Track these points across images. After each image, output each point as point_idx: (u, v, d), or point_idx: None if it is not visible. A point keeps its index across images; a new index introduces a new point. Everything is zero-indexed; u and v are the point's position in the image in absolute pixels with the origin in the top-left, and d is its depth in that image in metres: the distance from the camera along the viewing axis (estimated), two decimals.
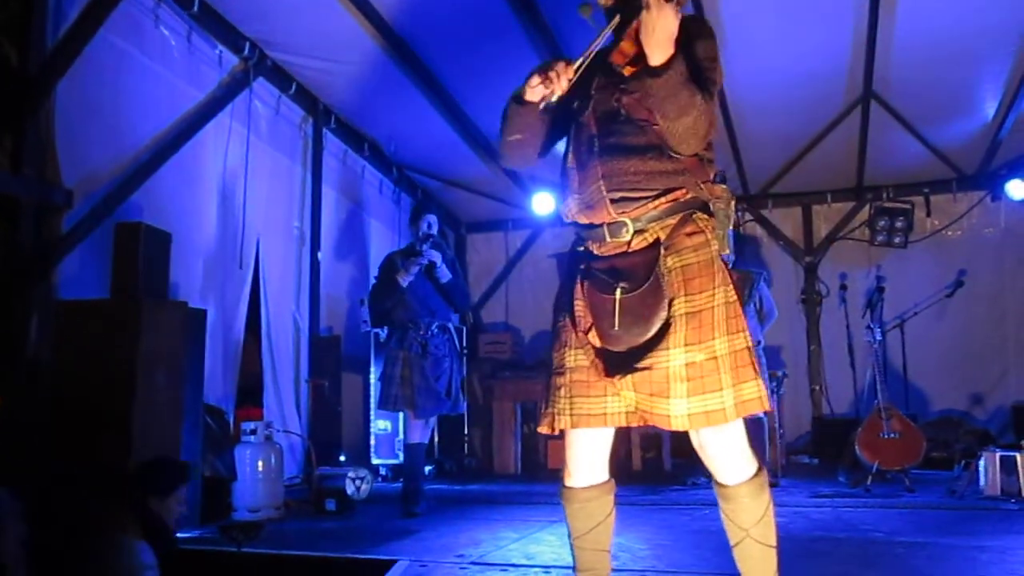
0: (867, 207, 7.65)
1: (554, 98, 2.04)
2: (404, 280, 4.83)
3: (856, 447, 5.53)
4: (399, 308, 4.91)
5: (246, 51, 5.31)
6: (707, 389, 1.92)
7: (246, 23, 5.22)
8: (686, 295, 1.97)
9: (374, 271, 7.41)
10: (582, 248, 2.15)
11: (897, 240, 7.43)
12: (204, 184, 5.17)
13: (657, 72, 1.90)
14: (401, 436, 6.47)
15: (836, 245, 7.86)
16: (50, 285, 3.97)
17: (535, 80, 2.06)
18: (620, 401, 2.02)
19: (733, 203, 2.13)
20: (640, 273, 1.98)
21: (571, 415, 2.05)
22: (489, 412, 7.36)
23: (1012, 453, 4.83)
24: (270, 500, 4.58)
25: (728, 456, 2.01)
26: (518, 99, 2.13)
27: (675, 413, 1.92)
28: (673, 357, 1.94)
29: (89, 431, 3.56)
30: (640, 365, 1.96)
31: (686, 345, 1.94)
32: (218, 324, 5.15)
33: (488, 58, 5.68)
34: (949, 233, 7.50)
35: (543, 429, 2.14)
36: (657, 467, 6.60)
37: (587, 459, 2.13)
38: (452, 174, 7.65)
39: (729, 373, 1.94)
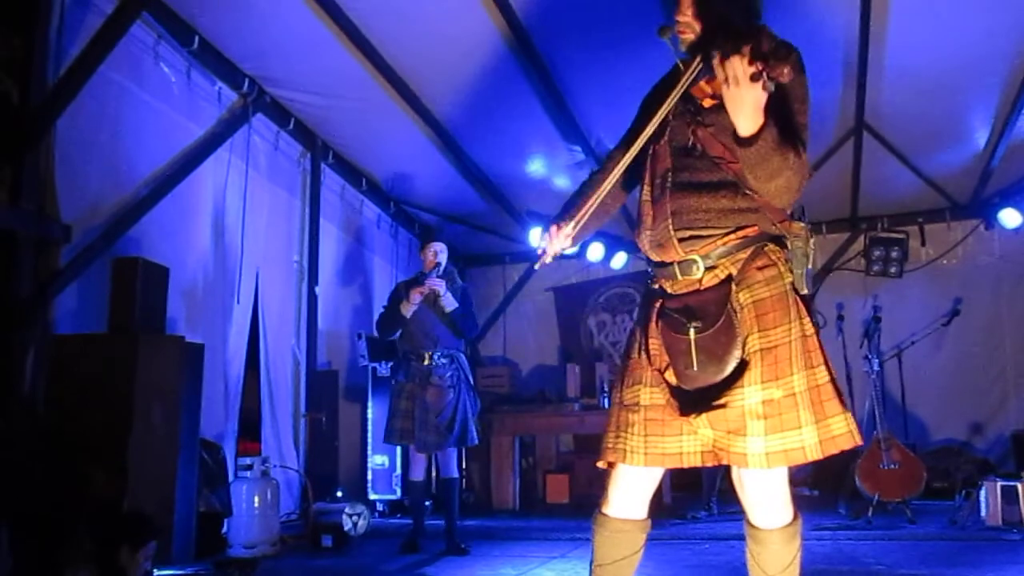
0: (862, 237, 7.68)
1: (548, 259, 2.13)
2: (408, 310, 4.76)
3: (856, 478, 5.50)
4: (404, 338, 4.87)
5: (245, 87, 5.36)
6: (786, 427, 1.88)
7: (245, 60, 5.28)
8: (760, 331, 1.93)
9: (373, 305, 7.45)
10: (656, 285, 2.12)
11: (893, 270, 7.45)
12: (202, 219, 5.20)
13: (747, 143, 1.83)
14: (399, 471, 6.44)
15: (832, 276, 7.88)
16: (47, 319, 3.97)
17: (539, 239, 2.18)
18: (696, 440, 1.97)
19: (812, 240, 2.06)
20: (712, 311, 1.95)
21: (646, 453, 2.00)
22: (487, 446, 7.32)
23: (1013, 483, 4.81)
24: (266, 536, 4.54)
25: (769, 500, 1.98)
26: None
27: (752, 451, 1.88)
28: (748, 395, 1.89)
29: (85, 466, 3.54)
30: (715, 403, 1.92)
31: (762, 382, 1.90)
32: (216, 358, 5.15)
33: (486, 95, 5.75)
34: (944, 262, 7.52)
35: (606, 463, 2.09)
36: (657, 501, 6.53)
37: (632, 495, 2.10)
38: (450, 209, 7.69)
39: (809, 410, 1.89)
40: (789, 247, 2.02)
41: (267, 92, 5.62)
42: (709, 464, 2.01)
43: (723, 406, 1.91)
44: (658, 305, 2.07)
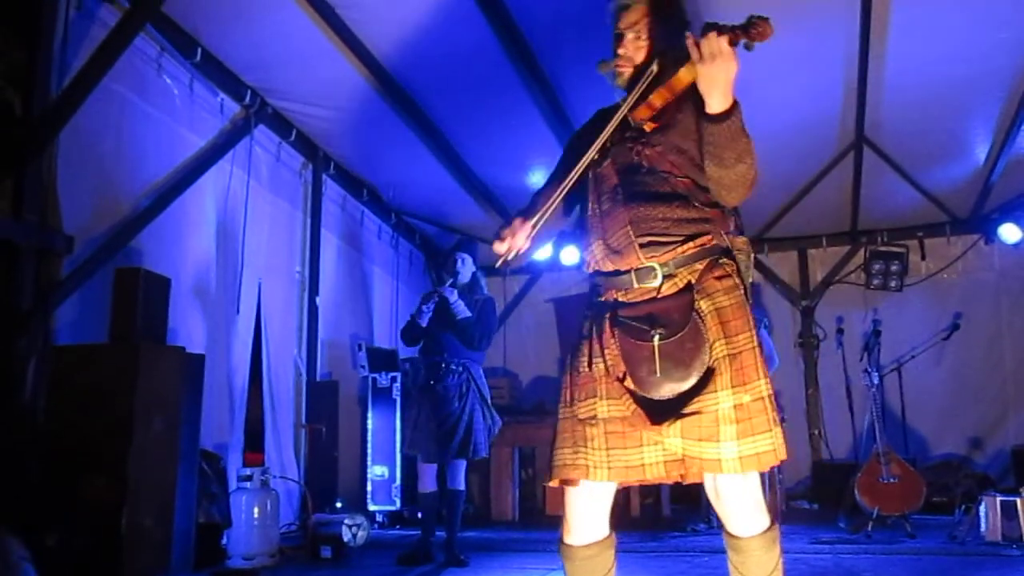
0: (862, 251, 7.70)
1: (511, 256, 2.13)
2: (421, 318, 4.75)
3: (856, 492, 5.49)
4: (421, 347, 4.86)
5: (247, 99, 5.39)
6: (756, 431, 1.91)
7: (247, 71, 5.31)
8: (725, 337, 1.97)
9: (373, 315, 7.47)
10: (602, 297, 2.14)
11: (893, 284, 7.46)
12: (204, 229, 5.21)
13: (719, 119, 1.91)
14: (398, 482, 6.44)
15: (832, 289, 7.89)
16: (48, 330, 3.98)
17: (497, 242, 2.14)
18: (658, 451, 1.98)
19: (752, 256, 2.13)
20: (675, 318, 1.98)
21: (609, 467, 2.00)
22: (486, 457, 7.31)
23: (1012, 498, 4.80)
24: (265, 547, 4.53)
25: (744, 506, 1.99)
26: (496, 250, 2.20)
27: (726, 456, 1.90)
28: (722, 400, 1.92)
29: (83, 475, 3.55)
30: (687, 410, 1.93)
31: (732, 387, 1.93)
32: (219, 369, 5.16)
33: (486, 106, 5.78)
34: (944, 276, 7.53)
35: (560, 480, 2.06)
36: (656, 513, 6.54)
37: (589, 515, 2.09)
38: (450, 219, 7.71)
39: (770, 415, 1.94)
40: (735, 260, 2.09)
41: (269, 103, 5.64)
42: (672, 475, 2.02)
43: (697, 413, 1.93)
44: (609, 315, 2.08)
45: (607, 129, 2.08)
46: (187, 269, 4.96)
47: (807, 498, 7.22)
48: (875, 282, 7.50)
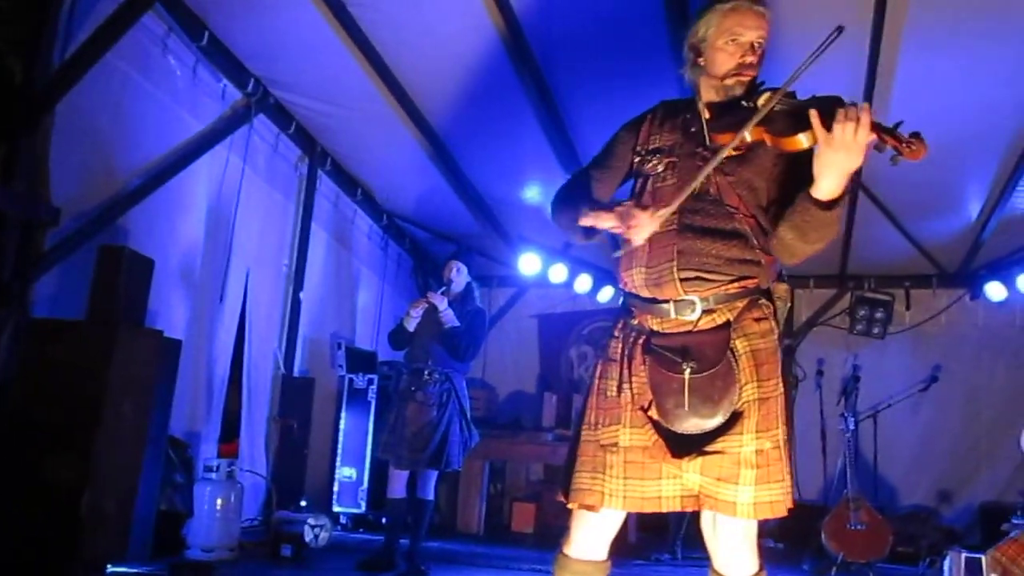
0: (848, 295, 7.72)
1: (631, 247, 2.02)
2: (408, 323, 4.72)
3: (823, 536, 5.49)
4: (407, 352, 4.82)
5: (250, 87, 5.35)
6: (772, 479, 1.91)
7: (253, 60, 5.28)
8: (757, 381, 1.95)
9: (356, 315, 7.42)
10: (636, 321, 2.10)
11: (876, 331, 7.48)
12: (194, 214, 5.16)
13: (828, 206, 1.83)
14: (366, 485, 6.38)
15: (816, 330, 7.90)
16: (26, 301, 3.92)
17: (612, 221, 1.99)
18: (676, 484, 1.96)
19: (788, 305, 2.11)
20: (710, 354, 1.95)
21: (625, 497, 1.99)
22: (458, 470, 7.26)
23: (978, 555, 4.80)
24: (225, 540, 4.47)
25: (741, 550, 1.99)
26: (578, 219, 2.08)
27: (741, 500, 1.89)
28: (746, 443, 1.91)
29: (50, 452, 3.49)
30: (711, 449, 1.92)
31: (757, 432, 1.91)
32: (199, 356, 5.11)
33: (488, 116, 5.76)
34: (927, 328, 7.55)
35: (589, 501, 2.02)
36: (622, 540, 6.50)
37: (596, 536, 2.09)
38: (442, 226, 7.68)
39: (784, 464, 1.94)
40: (774, 304, 2.07)
41: (271, 94, 5.61)
42: (689, 509, 2.00)
43: (719, 452, 1.91)
44: (642, 341, 2.05)
45: (675, 203, 1.96)
46: (173, 252, 4.91)
47: (773, 536, 7.20)
48: (859, 327, 7.51)
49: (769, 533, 7.30)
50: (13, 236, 3.87)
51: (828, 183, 1.81)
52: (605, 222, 2.01)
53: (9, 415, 3.62)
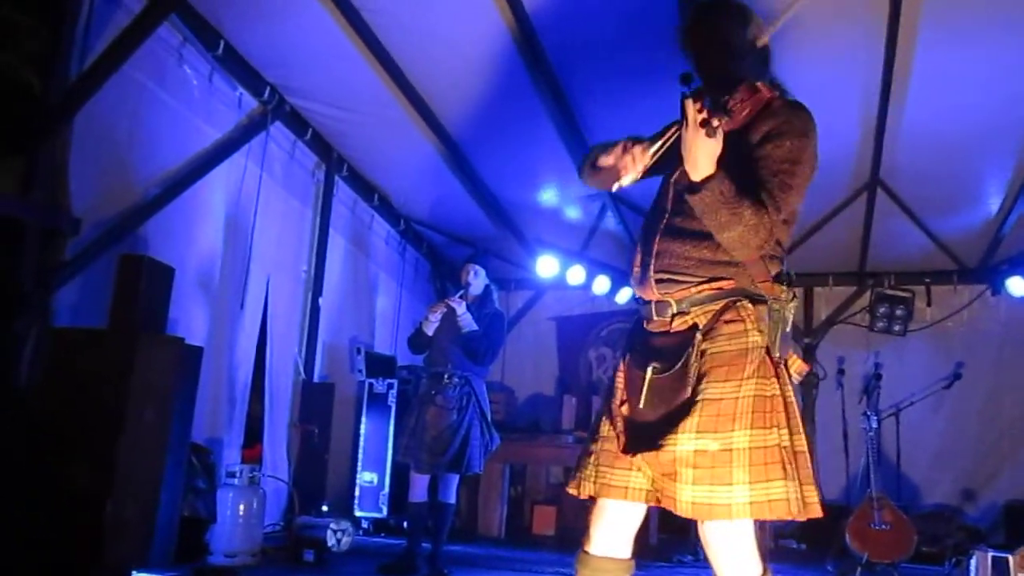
0: (868, 293, 7.66)
1: (626, 182, 2.05)
2: (427, 327, 4.73)
3: (846, 536, 5.45)
4: (426, 356, 4.83)
5: (266, 95, 5.39)
6: (715, 481, 1.87)
7: (268, 68, 5.31)
8: (709, 382, 1.94)
9: (375, 320, 7.45)
10: (642, 323, 2.16)
11: (896, 328, 7.42)
12: (212, 222, 5.20)
13: (693, 189, 1.89)
14: (387, 490, 6.40)
15: (835, 328, 7.84)
16: (48, 311, 3.97)
17: (609, 158, 2.09)
18: (644, 478, 2.00)
19: (792, 305, 2.08)
20: (672, 355, 1.98)
21: (595, 483, 2.05)
22: (479, 473, 7.27)
23: (1005, 554, 4.75)
24: (248, 546, 4.50)
25: (730, 555, 1.95)
26: (593, 163, 2.18)
27: (681, 499, 1.89)
28: (682, 442, 1.90)
29: (73, 460, 3.52)
30: (652, 445, 1.94)
31: (698, 431, 1.89)
32: (221, 362, 5.16)
33: (503, 119, 5.77)
34: (948, 325, 7.49)
35: (571, 490, 2.13)
36: (643, 541, 6.48)
37: (614, 532, 2.10)
38: (458, 230, 7.70)
39: (746, 469, 1.86)
40: (768, 307, 2.03)
41: (287, 101, 5.64)
42: (653, 503, 2.02)
43: (658, 448, 1.93)
44: (633, 341, 2.14)
45: (664, 137, 2.08)
46: (192, 260, 4.95)
47: (795, 537, 7.16)
48: (879, 325, 7.46)
49: (791, 534, 7.26)
50: (34, 246, 3.91)
51: (689, 168, 1.88)
52: (608, 156, 2.11)
53: (33, 423, 3.65)
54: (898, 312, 7.40)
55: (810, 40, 4.42)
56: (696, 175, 1.87)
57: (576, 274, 7.64)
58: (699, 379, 1.95)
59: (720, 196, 1.85)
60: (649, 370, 1.99)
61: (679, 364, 1.96)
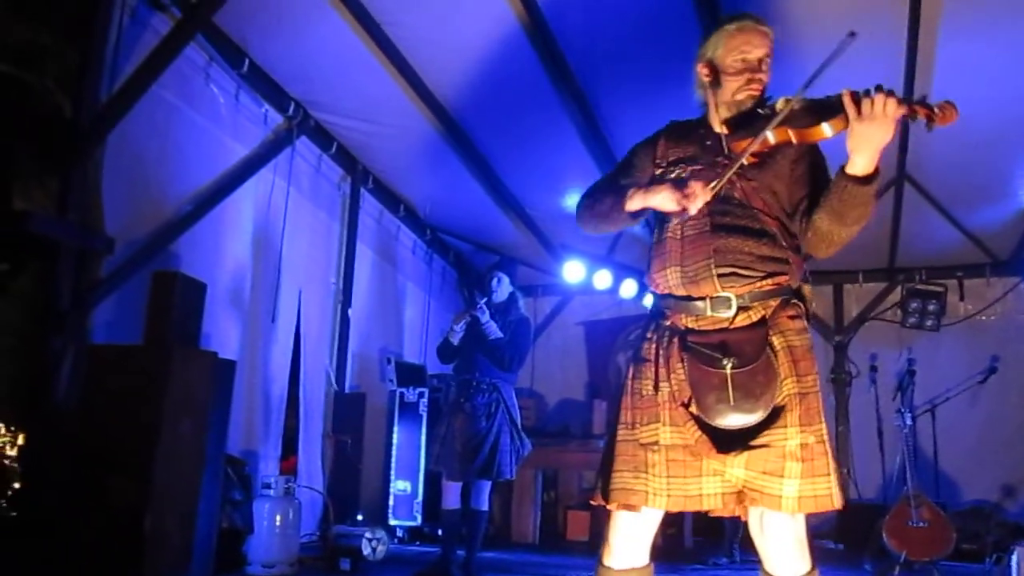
0: (899, 288, 7.59)
1: (687, 216, 2.05)
2: (452, 336, 4.76)
3: (883, 535, 5.38)
4: (455, 365, 4.86)
5: (291, 111, 5.46)
6: (816, 473, 1.92)
7: (292, 84, 5.39)
8: (796, 376, 1.99)
9: (403, 330, 7.50)
10: (669, 321, 2.13)
11: (929, 323, 7.34)
12: (242, 237, 5.28)
13: (863, 181, 1.92)
14: (420, 498, 6.43)
15: (867, 325, 7.78)
16: (85, 329, 4.04)
17: (665, 192, 2.03)
18: (717, 482, 1.98)
19: (812, 304, 2.17)
20: (748, 350, 1.99)
21: (669, 495, 2.00)
22: (511, 479, 7.27)
23: None
24: (285, 556, 4.54)
25: (790, 548, 1.98)
26: (623, 205, 2.12)
27: (787, 494, 1.90)
28: (790, 436, 1.93)
29: (111, 474, 3.58)
30: (755, 443, 1.94)
31: (800, 426, 1.94)
32: (256, 376, 5.23)
33: (525, 128, 5.80)
34: (982, 318, 7.39)
35: (616, 505, 2.06)
36: (678, 544, 6.46)
37: (634, 539, 2.10)
38: (484, 238, 7.74)
39: (830, 460, 1.95)
40: (806, 303, 2.13)
41: (312, 116, 5.72)
42: (729, 508, 2.02)
43: (765, 445, 1.93)
44: (677, 340, 2.08)
45: (724, 175, 2.02)
46: (224, 275, 5.02)
47: (832, 538, 7.08)
48: (911, 321, 7.38)
49: (827, 534, 7.19)
50: (70, 266, 3.99)
51: (862, 159, 1.90)
52: (655, 196, 2.06)
53: (71, 439, 3.72)
54: (930, 307, 7.32)
55: (830, 34, 4.41)
56: (871, 166, 1.91)
57: (603, 279, 7.64)
58: (786, 373, 1.98)
59: (879, 188, 1.96)
60: (728, 367, 1.96)
61: (761, 359, 1.97)
